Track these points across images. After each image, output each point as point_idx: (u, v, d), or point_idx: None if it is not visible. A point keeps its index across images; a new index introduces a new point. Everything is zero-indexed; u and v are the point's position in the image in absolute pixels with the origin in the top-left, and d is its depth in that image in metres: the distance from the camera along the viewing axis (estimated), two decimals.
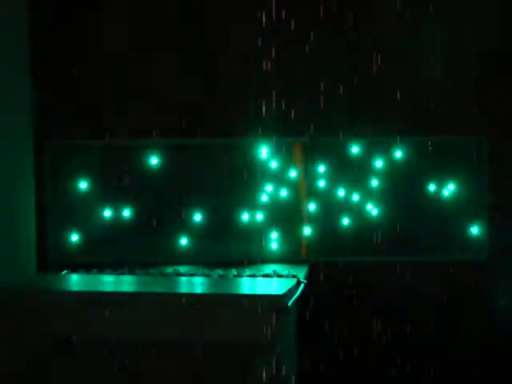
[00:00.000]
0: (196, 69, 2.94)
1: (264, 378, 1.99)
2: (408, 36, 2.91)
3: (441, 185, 2.85)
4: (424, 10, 2.89)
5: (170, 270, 2.68)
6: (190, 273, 2.62)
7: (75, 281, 2.54)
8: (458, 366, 2.89)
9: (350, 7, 2.90)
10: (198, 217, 2.87)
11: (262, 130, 2.87)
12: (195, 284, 2.44)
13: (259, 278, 2.51)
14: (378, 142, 2.85)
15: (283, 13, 2.88)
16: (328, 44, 2.90)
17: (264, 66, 2.88)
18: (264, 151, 2.86)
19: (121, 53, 2.93)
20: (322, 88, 2.90)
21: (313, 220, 2.87)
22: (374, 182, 2.86)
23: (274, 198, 2.87)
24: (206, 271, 2.64)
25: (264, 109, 2.90)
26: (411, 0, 2.90)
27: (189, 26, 2.93)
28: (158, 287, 2.41)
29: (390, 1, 2.90)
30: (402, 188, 2.85)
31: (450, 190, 2.85)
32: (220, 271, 2.62)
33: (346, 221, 2.86)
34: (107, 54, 2.94)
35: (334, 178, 2.86)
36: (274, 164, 2.87)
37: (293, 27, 2.88)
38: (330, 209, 2.86)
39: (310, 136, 2.85)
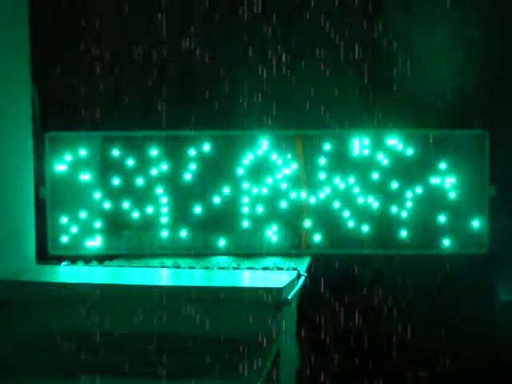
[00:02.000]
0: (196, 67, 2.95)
1: (265, 371, 1.98)
2: (411, 31, 2.91)
3: (442, 178, 2.84)
4: (428, 7, 2.90)
5: (169, 262, 2.67)
6: (190, 265, 2.61)
7: (74, 272, 2.54)
8: (457, 359, 2.89)
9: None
10: (197, 209, 2.86)
11: (263, 122, 2.86)
12: (195, 277, 2.43)
13: (259, 271, 2.50)
14: (380, 135, 2.84)
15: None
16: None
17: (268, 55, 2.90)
18: (265, 144, 2.84)
19: (120, 46, 2.94)
20: (323, 82, 2.91)
21: (313, 213, 2.86)
22: (375, 175, 2.84)
23: (275, 191, 2.86)
24: (205, 264, 2.63)
25: (265, 101, 2.90)
26: None
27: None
28: (158, 280, 2.40)
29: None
30: (404, 181, 2.84)
31: (451, 183, 2.83)
32: (220, 264, 2.61)
33: (346, 213, 2.85)
34: (106, 48, 2.94)
35: (335, 171, 2.85)
36: (274, 156, 2.85)
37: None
38: (331, 202, 2.85)
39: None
